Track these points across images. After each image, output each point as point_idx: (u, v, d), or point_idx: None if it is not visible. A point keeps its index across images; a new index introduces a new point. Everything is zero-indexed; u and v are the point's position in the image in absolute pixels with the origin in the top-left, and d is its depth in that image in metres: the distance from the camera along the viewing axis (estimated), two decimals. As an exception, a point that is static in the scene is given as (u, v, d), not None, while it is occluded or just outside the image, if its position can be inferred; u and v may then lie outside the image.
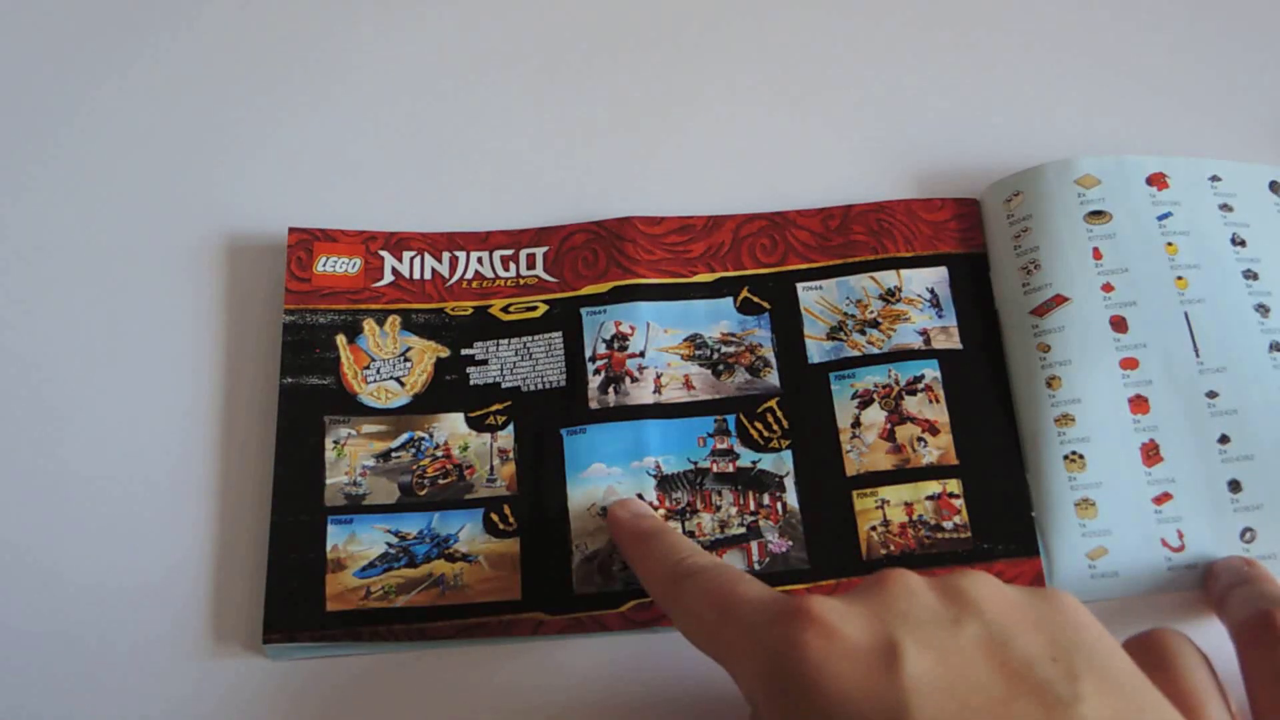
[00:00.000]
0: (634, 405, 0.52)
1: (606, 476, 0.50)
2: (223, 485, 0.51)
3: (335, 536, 0.49)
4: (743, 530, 0.50)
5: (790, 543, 0.50)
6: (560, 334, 0.54)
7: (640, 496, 0.50)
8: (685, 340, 0.54)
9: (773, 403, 0.53)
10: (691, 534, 0.50)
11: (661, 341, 0.53)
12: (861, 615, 0.35)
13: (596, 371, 0.53)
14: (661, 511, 0.50)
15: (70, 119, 0.59)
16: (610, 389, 0.52)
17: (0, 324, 0.54)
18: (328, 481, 0.50)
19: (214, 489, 0.51)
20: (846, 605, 0.36)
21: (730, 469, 0.51)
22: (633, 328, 0.53)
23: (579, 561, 0.49)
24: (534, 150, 0.60)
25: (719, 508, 0.50)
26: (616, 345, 0.53)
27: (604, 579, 0.49)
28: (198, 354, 0.54)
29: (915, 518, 0.50)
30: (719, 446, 0.52)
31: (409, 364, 0.53)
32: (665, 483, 0.51)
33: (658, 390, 0.52)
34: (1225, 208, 0.54)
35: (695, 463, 0.51)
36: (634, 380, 0.52)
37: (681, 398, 0.52)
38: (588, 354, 0.53)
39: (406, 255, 0.55)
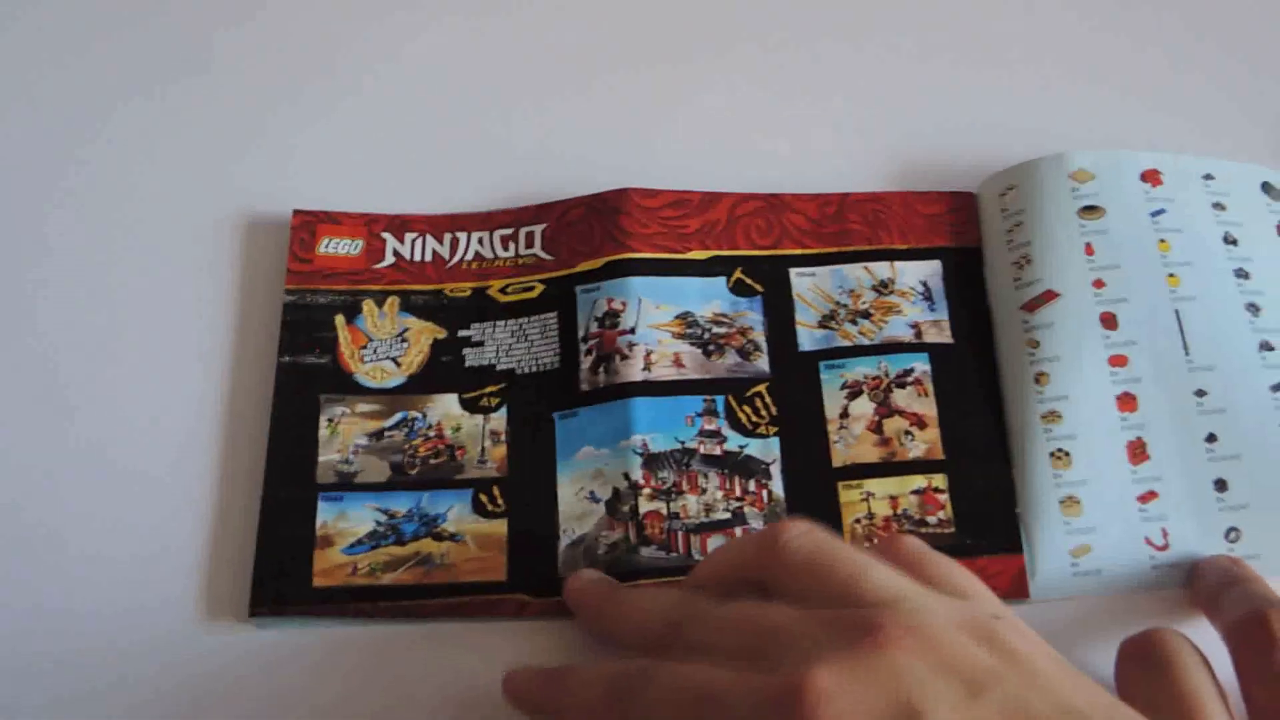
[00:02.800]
0: (622, 383, 0.50)
1: (595, 459, 0.49)
2: (221, 459, 0.50)
3: (325, 513, 0.49)
4: (728, 515, 0.48)
5: None
6: (555, 314, 0.52)
7: (627, 476, 0.48)
8: (677, 318, 0.52)
9: (762, 387, 0.51)
10: (676, 515, 0.48)
11: (653, 318, 0.52)
12: (874, 691, 0.32)
13: (588, 352, 0.51)
14: (647, 490, 0.48)
15: (88, 110, 0.59)
16: (600, 369, 0.51)
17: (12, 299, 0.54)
18: (320, 459, 0.50)
19: (212, 463, 0.50)
20: (852, 681, 0.32)
21: (717, 451, 0.50)
22: (624, 304, 0.52)
23: (565, 546, 0.48)
24: (536, 132, 0.59)
25: (704, 490, 0.49)
26: (608, 323, 0.52)
27: (588, 562, 0.47)
28: (201, 332, 0.53)
29: (900, 511, 0.49)
30: (707, 427, 0.50)
31: (406, 344, 0.52)
32: (651, 461, 0.49)
33: (647, 367, 0.51)
34: (1218, 206, 0.53)
35: (683, 442, 0.50)
36: (624, 358, 0.51)
37: (671, 375, 0.51)
38: (580, 334, 0.52)
39: (408, 237, 0.54)
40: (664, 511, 0.48)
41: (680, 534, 0.48)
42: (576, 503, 0.48)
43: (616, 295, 0.52)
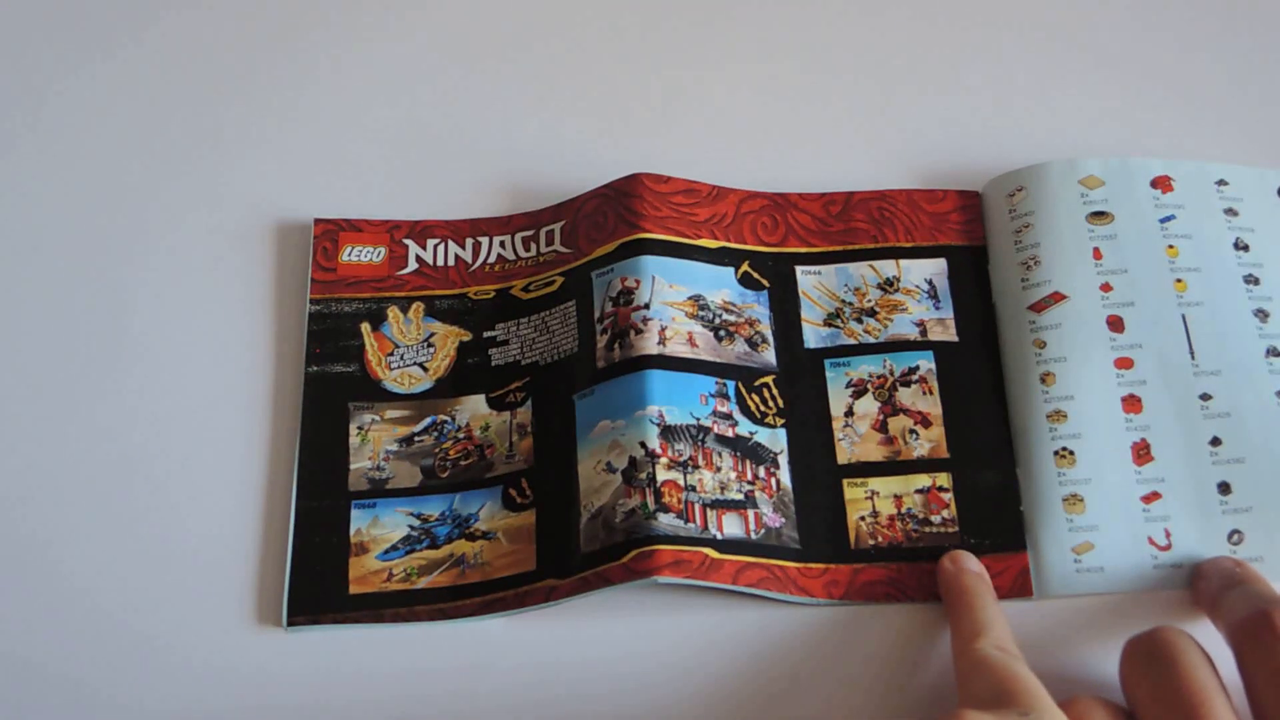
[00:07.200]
0: (638, 356, 0.48)
1: (611, 431, 0.47)
2: (257, 470, 0.49)
3: (359, 521, 0.48)
4: (740, 497, 0.47)
5: (783, 520, 0.47)
6: (574, 302, 0.51)
7: (643, 445, 0.46)
8: (689, 299, 0.50)
9: (769, 379, 0.49)
10: (693, 488, 0.46)
11: (666, 295, 0.50)
12: None
13: (604, 331, 0.49)
14: (665, 460, 0.46)
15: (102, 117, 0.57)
16: (615, 345, 0.49)
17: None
18: (352, 467, 0.49)
19: (250, 475, 0.49)
20: None
21: (730, 434, 0.48)
22: (638, 281, 0.50)
23: (585, 521, 0.46)
24: (547, 133, 0.56)
25: (719, 469, 0.47)
26: (622, 300, 0.50)
27: (607, 533, 0.46)
28: (228, 343, 0.51)
29: (904, 510, 0.47)
30: (719, 409, 0.48)
31: (432, 349, 0.51)
32: (668, 432, 0.47)
33: (662, 342, 0.48)
34: (1230, 212, 0.50)
35: (698, 419, 0.48)
36: (638, 332, 0.49)
37: (685, 353, 0.49)
38: (596, 314, 0.50)
39: (430, 243, 0.53)
40: (681, 482, 0.46)
41: (698, 506, 0.46)
42: (595, 476, 0.46)
43: (630, 273, 0.50)
